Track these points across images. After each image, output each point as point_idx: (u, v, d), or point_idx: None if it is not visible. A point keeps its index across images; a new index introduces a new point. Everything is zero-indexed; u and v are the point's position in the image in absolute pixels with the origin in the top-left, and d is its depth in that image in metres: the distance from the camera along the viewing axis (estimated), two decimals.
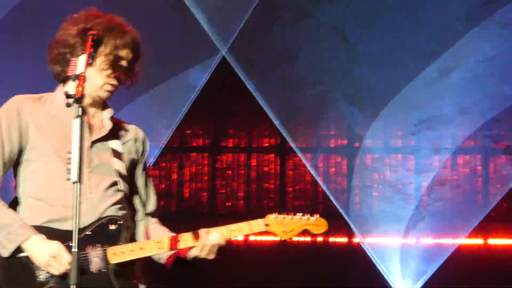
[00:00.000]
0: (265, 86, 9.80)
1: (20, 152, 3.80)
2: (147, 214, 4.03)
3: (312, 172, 10.12)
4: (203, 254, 3.84)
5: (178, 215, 10.12)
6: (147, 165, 4.11)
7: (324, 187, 10.07)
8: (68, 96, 3.40)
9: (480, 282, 9.57)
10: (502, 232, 10.08)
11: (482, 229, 9.98)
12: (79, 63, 3.49)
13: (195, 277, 9.73)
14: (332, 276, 9.70)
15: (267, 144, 10.58)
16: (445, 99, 9.76)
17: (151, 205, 4.05)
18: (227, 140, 10.56)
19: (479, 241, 10.05)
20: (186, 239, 3.81)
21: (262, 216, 3.94)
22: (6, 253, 3.67)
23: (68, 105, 3.41)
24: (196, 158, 10.51)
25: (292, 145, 10.06)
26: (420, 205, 10.05)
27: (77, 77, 3.44)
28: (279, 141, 10.48)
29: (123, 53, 3.84)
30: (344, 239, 10.23)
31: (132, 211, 3.99)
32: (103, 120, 3.90)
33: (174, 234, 3.89)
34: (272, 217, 3.88)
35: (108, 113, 3.92)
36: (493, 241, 10.06)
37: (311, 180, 10.36)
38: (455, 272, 9.66)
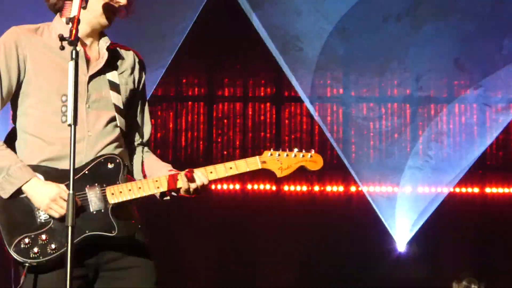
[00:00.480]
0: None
1: (18, 85, 3.77)
2: (140, 144, 4.04)
3: (320, 122, 10.18)
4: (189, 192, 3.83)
5: (175, 164, 10.22)
6: (146, 95, 4.09)
7: (329, 136, 10.15)
8: (62, 38, 3.37)
9: (475, 229, 9.74)
10: (498, 181, 10.18)
11: (479, 178, 10.12)
12: (73, 5, 3.45)
13: (194, 225, 9.82)
14: (330, 223, 9.81)
15: (263, 94, 10.61)
16: (442, 49, 9.79)
17: (146, 134, 4.05)
18: (223, 89, 10.58)
19: (475, 189, 10.16)
20: (183, 178, 3.80)
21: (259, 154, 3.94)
22: (6, 195, 3.67)
23: (62, 48, 3.38)
24: (192, 107, 10.52)
25: (302, 95, 10.10)
26: (416, 153, 10.14)
27: (71, 19, 3.39)
28: (275, 91, 10.53)
29: None
30: (341, 188, 10.30)
31: (128, 143, 3.99)
32: (99, 50, 3.87)
33: (169, 166, 3.91)
34: (268, 154, 3.86)
35: (104, 42, 3.88)
36: (489, 190, 10.16)
37: (307, 129, 10.43)
38: (450, 220, 9.78)
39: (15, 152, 3.77)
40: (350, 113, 10.30)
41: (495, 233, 9.64)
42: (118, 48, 3.95)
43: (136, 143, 4.03)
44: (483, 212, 9.98)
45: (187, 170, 3.81)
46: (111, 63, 3.87)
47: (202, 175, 3.80)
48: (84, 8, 3.48)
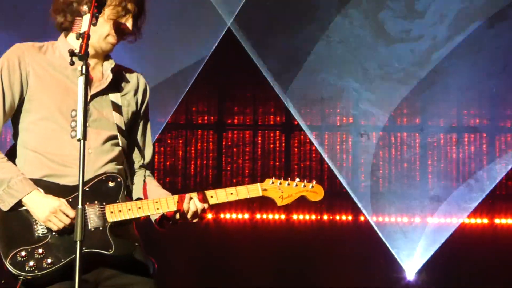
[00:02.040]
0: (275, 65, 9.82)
1: (21, 101, 3.79)
2: (142, 166, 4.06)
3: (320, 149, 10.15)
4: (188, 217, 3.85)
5: (184, 192, 10.21)
6: (148, 117, 4.10)
7: (331, 165, 10.10)
8: (72, 53, 3.40)
9: (485, 261, 9.62)
10: (507, 212, 10.13)
11: (488, 208, 10.05)
12: (84, 22, 3.53)
13: (201, 249, 9.78)
14: (339, 253, 9.74)
15: (272, 122, 10.56)
16: (451, 78, 9.78)
17: (147, 157, 4.08)
18: (232, 117, 10.54)
19: (484, 220, 10.10)
20: (183, 200, 3.83)
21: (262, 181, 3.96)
22: (6, 207, 3.68)
23: (72, 63, 3.43)
24: (202, 135, 10.50)
25: (302, 124, 10.09)
26: (425, 183, 10.07)
27: (81, 35, 3.43)
28: (285, 119, 10.47)
29: (130, 5, 3.84)
30: (350, 217, 10.26)
31: (130, 163, 4.00)
32: (103, 71, 3.89)
33: (170, 194, 3.91)
34: (270, 182, 3.89)
35: (109, 64, 3.91)
36: (499, 221, 10.09)
37: (316, 158, 10.36)
38: (460, 250, 9.72)
39: None
40: (359, 142, 10.26)
41: (504, 263, 9.54)
42: (122, 71, 3.98)
43: (137, 165, 4.05)
44: (492, 242, 9.90)
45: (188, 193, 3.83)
46: (115, 85, 3.90)
47: (200, 201, 3.82)
48: (94, 25, 3.52)
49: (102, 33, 3.80)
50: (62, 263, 3.65)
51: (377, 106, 10.14)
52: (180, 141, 10.38)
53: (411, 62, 9.87)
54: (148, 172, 4.07)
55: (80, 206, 3.31)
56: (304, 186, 3.90)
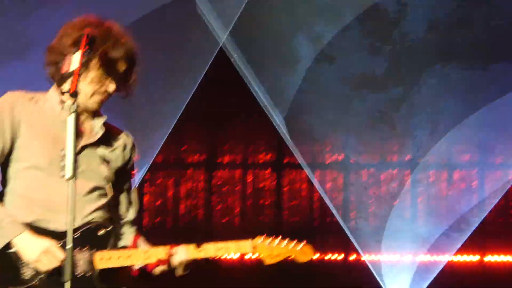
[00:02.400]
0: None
1: (11, 149, 3.80)
2: (127, 222, 4.05)
3: (319, 187, 10.17)
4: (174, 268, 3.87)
5: (174, 232, 10.08)
6: (134, 175, 4.13)
7: (328, 202, 10.11)
8: (62, 92, 3.44)
9: None
10: (498, 248, 10.14)
11: (478, 245, 10.06)
12: (74, 59, 3.52)
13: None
14: None
15: (262, 160, 10.58)
16: (441, 114, 9.81)
17: (133, 213, 4.08)
18: (222, 156, 10.54)
19: (475, 257, 10.13)
20: (172, 252, 3.83)
21: (256, 234, 3.98)
22: None
23: (62, 101, 3.45)
24: (191, 174, 10.51)
25: (300, 161, 10.08)
26: (415, 220, 10.06)
27: (71, 73, 3.46)
28: (275, 157, 10.50)
29: (115, 66, 3.84)
30: (341, 256, 10.25)
31: (116, 218, 4.01)
32: (94, 126, 3.91)
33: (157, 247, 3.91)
34: (259, 241, 3.93)
35: (100, 120, 3.93)
36: (489, 258, 10.12)
37: (306, 196, 10.39)
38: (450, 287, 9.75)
39: None
40: (349, 179, 10.26)
41: None
42: (112, 128, 4.00)
43: (124, 221, 4.06)
44: (483, 279, 9.94)
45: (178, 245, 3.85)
46: (104, 140, 3.92)
47: (191, 253, 3.83)
48: (85, 62, 3.56)
49: (87, 93, 3.80)
50: None
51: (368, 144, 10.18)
52: (170, 181, 10.40)
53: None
54: (134, 229, 4.09)
55: (69, 246, 3.34)
56: (294, 246, 3.96)
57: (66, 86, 3.58)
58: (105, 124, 3.93)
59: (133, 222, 4.06)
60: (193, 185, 10.43)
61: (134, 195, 4.09)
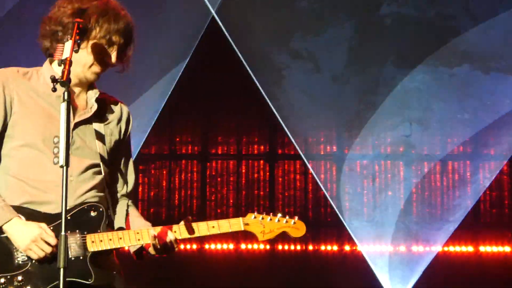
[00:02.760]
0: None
1: (4, 126, 3.80)
2: (124, 195, 4.06)
3: (317, 178, 10.17)
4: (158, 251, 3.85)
5: (168, 223, 10.20)
6: (130, 146, 4.13)
7: (326, 193, 10.14)
8: (54, 80, 3.40)
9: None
10: (492, 239, 10.14)
11: (473, 236, 10.10)
12: (65, 48, 3.52)
13: (185, 280, 9.76)
14: (325, 283, 9.77)
15: (256, 151, 10.59)
16: (434, 106, 9.83)
17: (129, 185, 4.07)
18: (216, 147, 10.56)
19: (469, 248, 10.13)
20: (166, 232, 3.83)
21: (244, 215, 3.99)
22: None
23: (54, 89, 3.42)
24: (185, 165, 10.51)
25: (300, 152, 10.11)
26: (409, 211, 10.09)
27: (63, 61, 3.45)
28: (269, 148, 10.51)
29: (115, 38, 3.85)
30: (335, 247, 10.26)
31: (112, 193, 4.00)
32: (87, 100, 3.91)
33: (150, 225, 3.92)
34: (252, 217, 3.92)
35: (93, 93, 3.93)
36: (483, 248, 10.12)
37: (300, 187, 10.40)
38: (444, 278, 9.75)
39: None
40: (343, 171, 10.27)
41: None
42: (106, 99, 4.00)
43: (119, 194, 4.05)
44: (477, 269, 9.94)
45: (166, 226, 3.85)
46: (98, 114, 3.91)
47: (184, 232, 3.85)
48: (76, 51, 3.54)
49: (86, 63, 3.81)
50: None
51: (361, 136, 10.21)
52: (164, 172, 10.39)
53: None
54: (130, 202, 4.08)
55: (63, 233, 3.30)
56: (286, 222, 3.94)
57: (57, 71, 3.59)
58: (99, 95, 3.94)
59: (129, 195, 4.07)
60: (187, 175, 10.44)
61: (130, 167, 4.08)
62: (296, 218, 3.95)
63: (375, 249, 9.92)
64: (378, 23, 9.76)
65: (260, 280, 9.79)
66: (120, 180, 4.05)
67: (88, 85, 3.92)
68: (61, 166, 3.33)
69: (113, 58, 3.85)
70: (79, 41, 3.57)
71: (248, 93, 9.76)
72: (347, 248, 10.13)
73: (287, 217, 3.94)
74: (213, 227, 3.89)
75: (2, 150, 3.81)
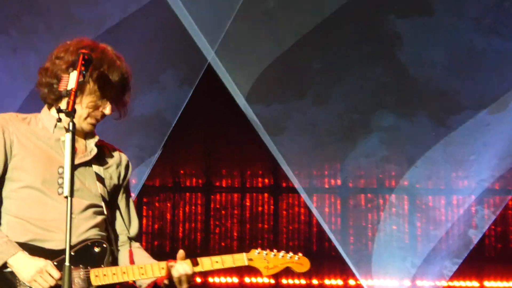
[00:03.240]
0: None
1: (4, 169, 3.83)
2: (130, 238, 4.08)
3: (316, 213, 10.16)
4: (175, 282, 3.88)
5: (172, 256, 10.14)
6: (130, 192, 4.16)
7: (326, 228, 10.14)
8: (59, 110, 3.43)
9: None
10: (497, 274, 10.11)
11: (477, 271, 10.08)
12: (71, 79, 3.55)
13: None
14: None
15: (261, 184, 10.58)
16: (436, 141, 9.82)
17: (134, 229, 4.11)
18: (221, 180, 10.55)
19: (474, 283, 10.09)
20: (168, 267, 3.84)
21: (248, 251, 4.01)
22: None
23: (59, 119, 3.45)
24: (190, 197, 10.51)
25: (297, 186, 10.12)
26: (415, 246, 10.05)
27: (68, 92, 3.49)
28: (273, 181, 10.51)
29: (110, 91, 3.88)
30: (339, 281, 10.23)
31: (115, 236, 4.03)
32: (87, 145, 3.95)
33: (156, 261, 3.93)
34: (256, 253, 3.95)
35: (93, 139, 3.97)
36: (488, 283, 10.07)
37: (304, 220, 10.39)
38: None
39: None
40: (348, 204, 10.27)
41: None
42: (105, 146, 4.05)
43: (124, 238, 4.07)
44: None
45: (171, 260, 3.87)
46: (98, 158, 3.98)
47: (187, 266, 3.84)
48: (81, 82, 3.58)
49: (81, 115, 3.85)
50: None
51: (366, 169, 10.19)
52: (168, 204, 10.39)
53: None
54: (137, 244, 4.11)
55: (67, 264, 3.31)
56: (290, 257, 3.98)
57: (63, 105, 3.61)
58: (98, 142, 4.00)
59: (135, 238, 4.09)
60: (191, 208, 10.43)
61: (132, 211, 4.13)
62: (300, 254, 3.99)
63: (380, 283, 9.90)
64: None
65: None
66: (124, 224, 4.08)
67: (86, 134, 3.96)
68: (65, 197, 3.34)
69: (108, 110, 3.90)
70: (84, 72, 3.59)
71: (250, 126, 9.82)
72: (351, 282, 10.06)
73: (290, 253, 3.98)
74: (217, 262, 3.90)
75: (3, 192, 3.85)
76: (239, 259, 3.92)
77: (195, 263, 3.86)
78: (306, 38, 9.50)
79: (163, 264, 3.84)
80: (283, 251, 3.98)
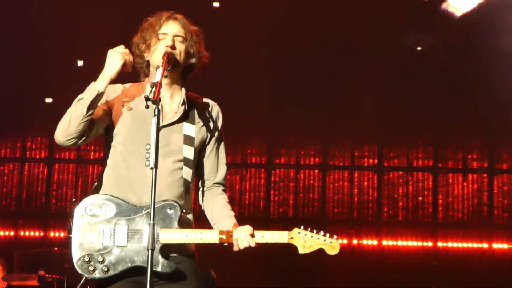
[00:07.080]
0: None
1: (112, 124, 4.05)
2: (215, 184, 4.15)
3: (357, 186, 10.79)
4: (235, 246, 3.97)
5: (239, 220, 11.01)
6: (222, 139, 4.19)
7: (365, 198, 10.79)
8: (147, 99, 3.63)
9: (483, 281, 10.40)
10: (504, 238, 10.95)
11: (488, 235, 10.99)
12: (157, 73, 3.80)
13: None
14: (364, 272, 10.53)
15: (312, 163, 11.13)
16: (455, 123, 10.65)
17: (220, 175, 4.16)
18: (280, 158, 11.23)
19: (484, 245, 10.94)
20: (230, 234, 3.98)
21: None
22: (88, 100, 3.87)
23: (147, 106, 3.65)
24: (254, 172, 11.21)
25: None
26: (435, 214, 10.96)
27: (154, 84, 3.70)
28: (321, 160, 11.10)
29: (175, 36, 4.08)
30: (375, 242, 10.92)
31: (202, 183, 4.15)
32: (176, 104, 4.07)
33: (232, 216, 4.10)
34: (297, 231, 4.00)
35: (181, 96, 4.08)
36: (496, 246, 10.90)
37: (347, 192, 11.01)
38: (462, 272, 10.55)
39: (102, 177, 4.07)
40: (382, 180, 10.97)
41: (501, 281, 10.32)
42: (195, 99, 4.14)
43: (210, 183, 4.15)
44: (491, 264, 10.69)
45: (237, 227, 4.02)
46: (188, 114, 4.07)
47: (251, 239, 3.93)
48: (166, 77, 3.85)
49: (158, 51, 4.02)
50: (117, 271, 3.90)
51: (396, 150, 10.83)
52: (237, 177, 11.11)
53: None
54: (220, 190, 4.15)
55: (152, 222, 3.55)
56: (325, 240, 3.99)
57: (151, 94, 3.69)
58: (186, 99, 4.08)
59: (222, 183, 4.18)
60: (255, 181, 10.97)
61: (221, 159, 4.18)
62: (335, 237, 4.01)
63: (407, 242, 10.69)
64: None
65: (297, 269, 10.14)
66: (211, 171, 4.12)
67: (173, 93, 4.09)
68: (151, 168, 3.60)
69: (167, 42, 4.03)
70: (168, 68, 3.82)
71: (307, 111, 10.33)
72: (384, 242, 10.83)
73: (327, 235, 4.00)
74: (263, 237, 3.91)
75: (111, 142, 4.05)
76: (281, 236, 3.94)
77: (252, 235, 3.92)
78: None
79: (223, 233, 3.91)
80: (321, 233, 4.00)
